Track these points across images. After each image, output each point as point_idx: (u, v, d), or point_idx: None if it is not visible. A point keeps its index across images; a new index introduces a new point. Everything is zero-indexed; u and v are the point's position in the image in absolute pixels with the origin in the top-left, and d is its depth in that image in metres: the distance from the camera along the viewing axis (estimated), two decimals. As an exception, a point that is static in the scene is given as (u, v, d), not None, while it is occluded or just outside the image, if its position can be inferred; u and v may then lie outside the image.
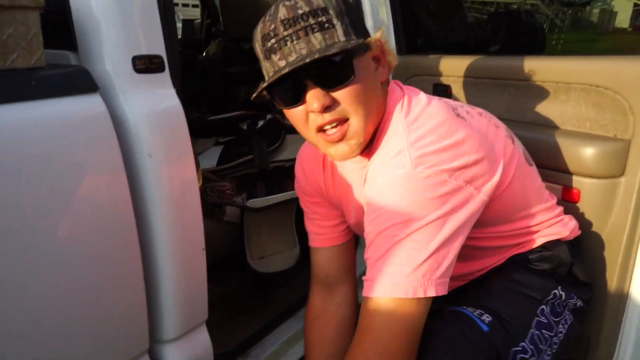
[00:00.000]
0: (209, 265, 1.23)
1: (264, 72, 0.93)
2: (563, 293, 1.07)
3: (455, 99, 1.60)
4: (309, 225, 1.27)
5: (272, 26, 0.86)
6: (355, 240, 1.30)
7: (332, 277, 1.25)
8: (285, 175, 1.88)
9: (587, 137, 1.26)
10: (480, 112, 1.09)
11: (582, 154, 1.24)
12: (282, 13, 0.85)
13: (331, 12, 0.85)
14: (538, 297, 1.04)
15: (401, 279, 0.83)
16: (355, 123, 0.90)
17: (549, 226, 1.12)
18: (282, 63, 0.86)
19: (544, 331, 1.01)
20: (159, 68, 1.11)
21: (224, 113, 2.03)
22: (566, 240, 1.13)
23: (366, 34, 0.92)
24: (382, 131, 0.96)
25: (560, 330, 1.04)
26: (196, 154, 1.24)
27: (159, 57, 1.11)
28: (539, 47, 2.56)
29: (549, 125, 1.36)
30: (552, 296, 1.05)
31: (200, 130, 1.93)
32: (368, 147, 0.98)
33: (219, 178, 1.75)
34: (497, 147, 1.00)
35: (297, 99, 0.89)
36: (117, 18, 1.04)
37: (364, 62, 0.90)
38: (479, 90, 1.56)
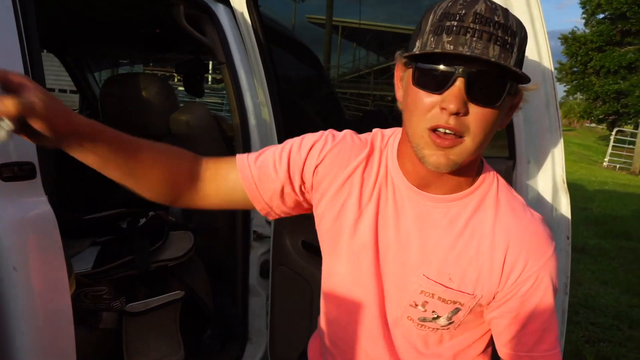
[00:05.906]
0: (82, 380, 1.12)
1: (417, 44, 0.84)
2: None
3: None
4: (265, 154, 1.03)
5: (463, 11, 0.80)
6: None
7: (206, 169, 1.01)
8: (169, 275, 1.81)
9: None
10: None
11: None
12: (480, 7, 0.80)
13: (517, 39, 0.82)
14: None
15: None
16: (468, 145, 0.85)
17: None
18: (450, 47, 0.79)
19: None
20: (29, 175, 1.06)
21: (101, 211, 1.93)
22: None
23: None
24: (481, 184, 0.98)
25: None
26: (69, 258, 1.16)
27: (29, 163, 1.06)
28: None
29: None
30: None
31: (74, 231, 1.81)
32: (458, 191, 0.96)
33: (95, 282, 1.63)
34: None
35: (438, 87, 0.82)
36: (-17, 123, 0.99)
37: (508, 101, 0.87)
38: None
